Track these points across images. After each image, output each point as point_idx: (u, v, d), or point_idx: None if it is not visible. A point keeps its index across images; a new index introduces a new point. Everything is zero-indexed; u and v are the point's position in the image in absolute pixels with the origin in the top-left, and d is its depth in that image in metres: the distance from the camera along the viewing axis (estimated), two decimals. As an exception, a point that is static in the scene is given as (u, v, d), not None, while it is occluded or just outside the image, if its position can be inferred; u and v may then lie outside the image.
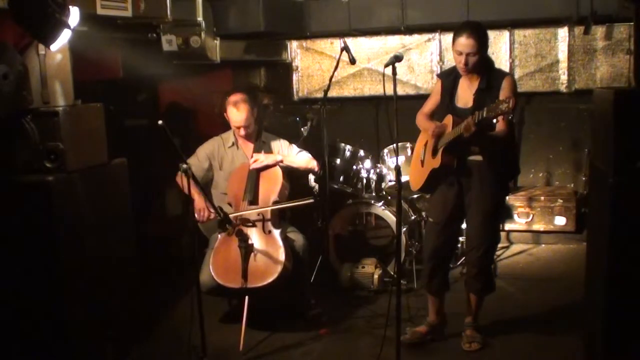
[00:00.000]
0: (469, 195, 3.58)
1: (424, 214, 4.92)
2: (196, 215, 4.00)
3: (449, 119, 3.47)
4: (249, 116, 4.20)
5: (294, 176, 4.38)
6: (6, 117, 3.23)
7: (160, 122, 3.18)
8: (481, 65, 3.46)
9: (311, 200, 4.06)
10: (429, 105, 3.77)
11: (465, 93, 3.54)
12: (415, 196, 4.98)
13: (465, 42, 3.38)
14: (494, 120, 3.19)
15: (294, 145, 4.44)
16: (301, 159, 4.37)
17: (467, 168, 3.52)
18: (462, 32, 3.41)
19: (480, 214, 3.54)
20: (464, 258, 4.52)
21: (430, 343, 3.77)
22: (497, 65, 3.65)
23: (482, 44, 3.41)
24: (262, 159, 4.16)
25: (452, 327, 3.87)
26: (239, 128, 4.23)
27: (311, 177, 4.98)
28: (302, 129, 5.16)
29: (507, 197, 3.74)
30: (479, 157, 3.49)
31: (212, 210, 3.91)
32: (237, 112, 4.17)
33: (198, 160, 4.27)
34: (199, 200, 4.00)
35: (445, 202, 3.64)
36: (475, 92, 3.46)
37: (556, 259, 5.26)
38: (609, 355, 3.00)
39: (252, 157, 4.18)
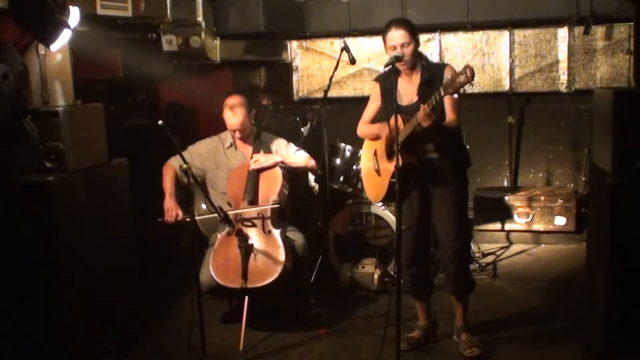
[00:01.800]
0: (434, 194, 3.55)
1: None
2: (165, 216, 3.92)
3: (398, 119, 3.42)
4: (245, 120, 4.19)
5: (293, 176, 4.38)
6: (6, 117, 3.23)
7: (160, 122, 3.18)
8: (418, 59, 3.47)
9: (277, 205, 4.00)
10: (370, 113, 3.70)
11: (407, 90, 3.51)
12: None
13: (395, 33, 3.38)
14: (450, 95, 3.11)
15: (291, 144, 4.43)
16: (300, 157, 4.36)
17: (427, 166, 3.48)
18: (390, 26, 3.41)
19: (450, 208, 3.51)
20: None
21: (430, 343, 3.77)
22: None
23: (412, 33, 3.40)
24: (262, 160, 4.15)
25: (451, 327, 3.87)
26: (234, 131, 4.22)
27: (311, 177, 4.98)
28: (302, 129, 5.16)
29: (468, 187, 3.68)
30: (434, 154, 3.47)
31: (180, 212, 3.88)
32: (232, 116, 4.16)
33: (190, 157, 4.21)
34: (168, 200, 3.97)
35: (411, 207, 3.59)
36: (419, 86, 3.45)
37: (556, 259, 5.25)
38: (609, 356, 2.99)
39: (252, 157, 4.18)
